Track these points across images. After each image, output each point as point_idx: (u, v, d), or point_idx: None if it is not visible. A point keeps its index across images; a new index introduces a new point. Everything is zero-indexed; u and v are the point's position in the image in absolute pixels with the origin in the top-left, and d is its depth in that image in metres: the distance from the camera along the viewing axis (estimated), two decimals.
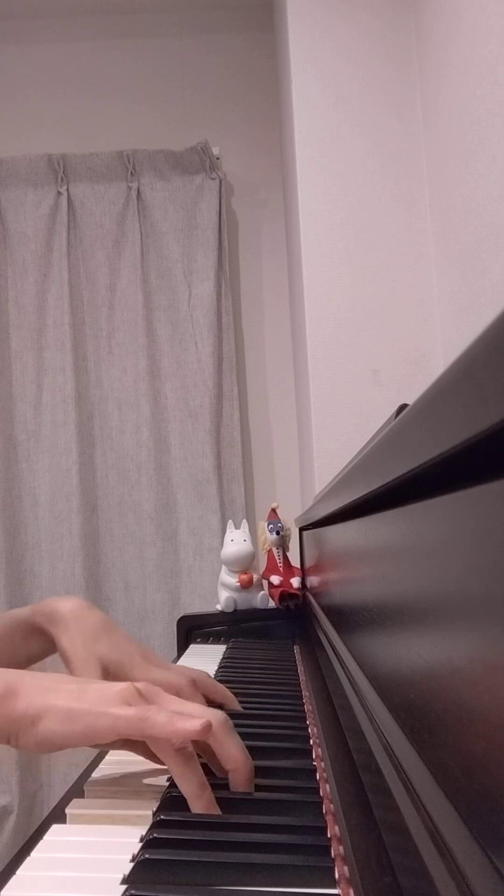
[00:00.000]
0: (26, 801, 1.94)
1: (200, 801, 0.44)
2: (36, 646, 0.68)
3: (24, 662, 0.70)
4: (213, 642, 1.18)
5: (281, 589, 1.22)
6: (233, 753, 0.47)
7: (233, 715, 0.67)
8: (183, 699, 0.51)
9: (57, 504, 2.03)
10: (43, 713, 0.45)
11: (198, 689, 0.60)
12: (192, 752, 0.45)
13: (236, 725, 0.60)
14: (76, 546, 2.00)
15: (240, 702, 0.69)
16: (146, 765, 0.52)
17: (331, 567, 0.75)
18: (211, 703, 0.63)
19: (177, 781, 0.44)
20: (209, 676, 0.66)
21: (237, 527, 1.27)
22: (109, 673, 0.59)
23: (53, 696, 0.46)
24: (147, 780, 0.51)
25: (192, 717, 0.45)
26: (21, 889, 0.36)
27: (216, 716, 0.47)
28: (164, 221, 2.12)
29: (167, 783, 0.49)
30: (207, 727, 0.45)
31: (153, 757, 0.50)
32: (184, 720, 0.44)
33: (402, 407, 0.47)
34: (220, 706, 0.67)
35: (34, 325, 2.10)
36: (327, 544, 0.81)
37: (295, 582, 1.24)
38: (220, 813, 0.44)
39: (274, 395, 2.18)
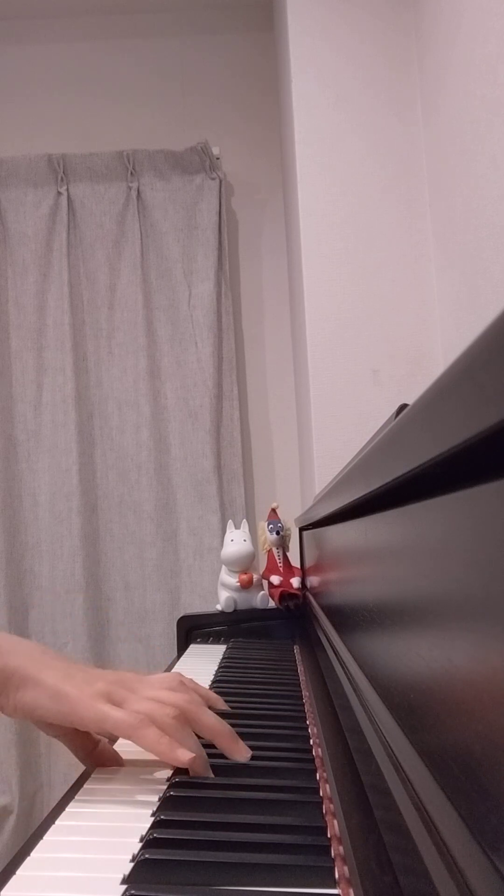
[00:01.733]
0: (26, 801, 1.94)
1: (194, 765, 0.48)
2: None
3: None
4: (213, 642, 1.18)
5: (281, 589, 1.22)
6: (208, 724, 0.51)
7: (234, 715, 0.67)
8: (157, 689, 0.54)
9: (57, 504, 2.03)
10: (30, 683, 0.48)
11: (185, 683, 0.61)
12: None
13: (237, 725, 0.60)
14: (76, 546, 2.00)
15: (240, 702, 0.69)
16: (147, 765, 0.52)
17: (331, 567, 0.75)
18: None
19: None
20: (191, 681, 0.66)
21: (237, 527, 1.27)
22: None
23: (43, 670, 0.48)
24: (147, 780, 0.52)
25: (180, 747, 0.48)
26: (21, 889, 0.36)
27: (183, 699, 0.51)
28: (164, 221, 2.12)
29: (167, 783, 0.49)
30: (192, 761, 0.48)
31: (88, 758, 0.54)
32: (172, 747, 0.47)
33: (402, 407, 0.47)
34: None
35: (34, 325, 2.10)
36: (327, 544, 0.81)
37: (295, 582, 1.24)
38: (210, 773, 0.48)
39: (274, 395, 2.18)
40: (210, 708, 0.64)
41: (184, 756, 0.48)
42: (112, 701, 0.49)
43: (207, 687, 0.79)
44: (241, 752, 0.51)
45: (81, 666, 0.56)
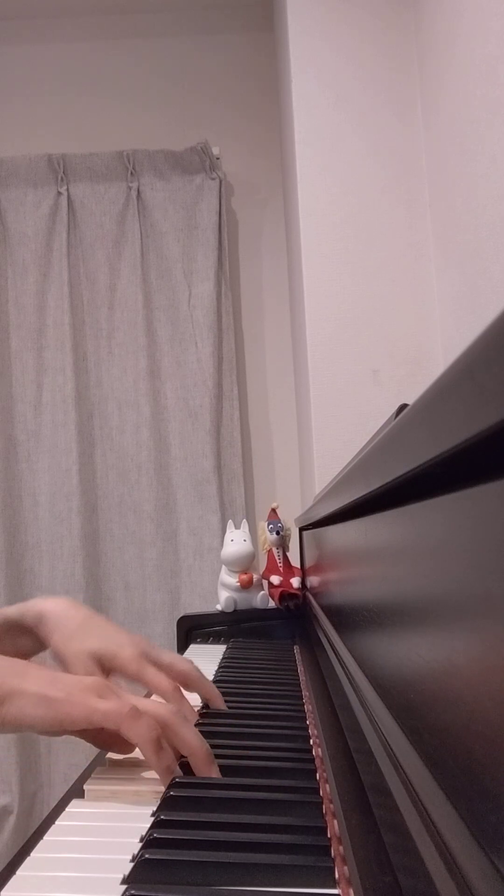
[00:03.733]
0: (26, 801, 1.94)
1: (168, 775, 0.48)
2: (25, 644, 0.69)
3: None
4: (213, 642, 1.18)
5: (281, 589, 1.22)
6: (187, 740, 0.50)
7: (234, 715, 0.67)
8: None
9: (57, 504, 2.03)
10: (13, 695, 0.47)
11: (182, 694, 0.61)
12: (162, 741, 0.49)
13: (237, 725, 0.60)
14: (76, 546, 2.00)
15: (240, 702, 0.69)
16: (147, 765, 0.52)
17: (331, 567, 0.75)
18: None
19: (150, 764, 0.48)
20: (198, 671, 0.67)
21: (237, 527, 1.27)
22: (104, 666, 0.61)
23: (25, 680, 0.48)
24: (147, 780, 0.52)
25: (163, 753, 0.48)
26: (21, 889, 0.36)
27: (168, 710, 0.50)
28: (164, 221, 2.12)
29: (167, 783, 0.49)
30: (169, 773, 0.48)
31: (104, 745, 0.53)
32: (156, 751, 0.48)
33: (402, 407, 0.47)
34: (205, 705, 0.68)
35: (34, 325, 2.10)
36: (327, 544, 0.81)
37: (295, 582, 1.24)
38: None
39: (274, 395, 2.18)
40: (207, 708, 0.65)
41: (166, 765, 0.48)
42: (101, 696, 0.49)
43: None
44: (212, 776, 0.51)
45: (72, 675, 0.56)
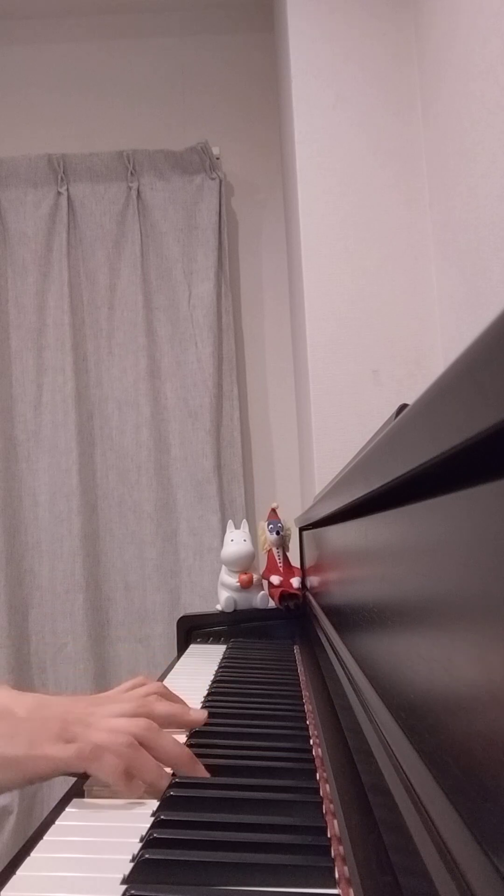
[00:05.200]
0: (26, 801, 1.94)
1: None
2: None
3: None
4: (213, 642, 1.18)
5: (281, 589, 1.22)
6: (165, 751, 0.50)
7: (234, 715, 0.67)
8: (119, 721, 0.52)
9: (57, 504, 2.03)
10: None
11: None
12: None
13: (237, 725, 0.60)
14: (76, 546, 2.00)
15: (240, 702, 0.69)
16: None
17: (331, 567, 0.75)
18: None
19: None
20: (159, 690, 0.65)
21: (237, 527, 1.27)
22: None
23: None
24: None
25: (132, 780, 0.48)
26: (21, 889, 0.36)
27: (139, 724, 0.50)
28: (164, 221, 2.12)
29: (167, 783, 0.49)
30: (139, 792, 0.47)
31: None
32: (126, 781, 0.47)
33: (402, 407, 0.47)
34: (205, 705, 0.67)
35: (34, 325, 2.10)
36: (327, 544, 0.81)
37: (295, 582, 1.24)
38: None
39: (274, 395, 2.18)
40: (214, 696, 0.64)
41: (137, 790, 0.48)
42: (65, 739, 0.48)
43: (207, 687, 0.79)
44: (201, 776, 0.50)
45: (37, 703, 0.54)
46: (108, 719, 0.52)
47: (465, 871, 0.22)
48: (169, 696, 0.65)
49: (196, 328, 2.09)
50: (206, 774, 0.50)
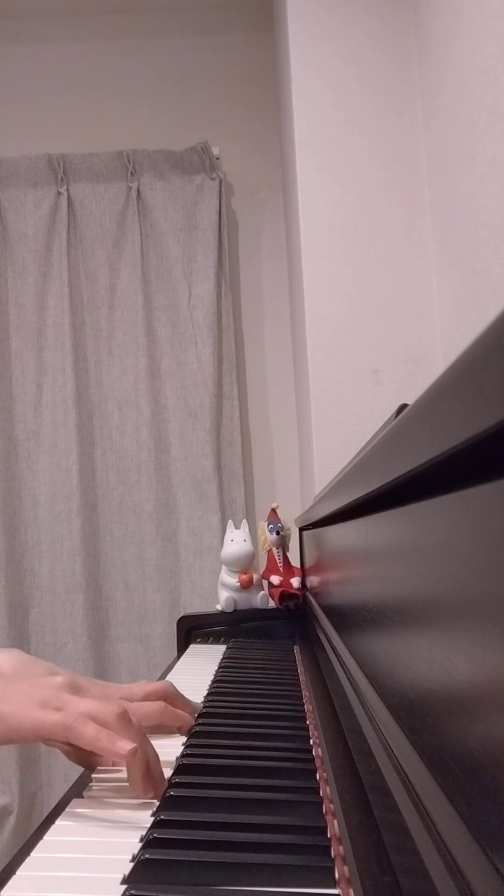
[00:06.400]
0: (26, 801, 1.94)
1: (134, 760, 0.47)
2: None
3: None
4: (213, 642, 1.18)
5: (281, 589, 1.22)
6: (148, 712, 0.52)
7: (234, 715, 0.67)
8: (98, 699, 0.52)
9: (57, 504, 2.03)
10: None
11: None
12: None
13: (237, 725, 0.60)
14: (76, 546, 2.00)
15: (240, 702, 0.69)
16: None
17: (331, 567, 0.75)
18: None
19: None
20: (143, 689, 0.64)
21: (237, 527, 1.27)
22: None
23: None
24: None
25: (119, 738, 0.47)
26: (21, 889, 0.36)
27: (112, 711, 0.49)
28: (164, 221, 2.12)
29: (167, 783, 0.49)
30: (133, 752, 0.46)
31: (82, 762, 0.53)
32: (113, 739, 0.46)
33: (402, 407, 0.47)
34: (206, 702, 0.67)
35: (34, 325, 2.10)
36: (327, 544, 0.81)
37: (295, 582, 1.24)
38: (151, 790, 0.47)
39: (274, 395, 2.18)
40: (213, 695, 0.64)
41: (125, 746, 0.46)
42: (51, 706, 0.48)
43: (207, 687, 0.79)
44: (146, 790, 0.48)
45: (32, 679, 0.54)
46: (100, 689, 0.52)
47: (465, 871, 0.22)
48: (175, 697, 0.64)
49: (196, 328, 2.09)
50: (155, 786, 0.48)
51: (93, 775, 0.53)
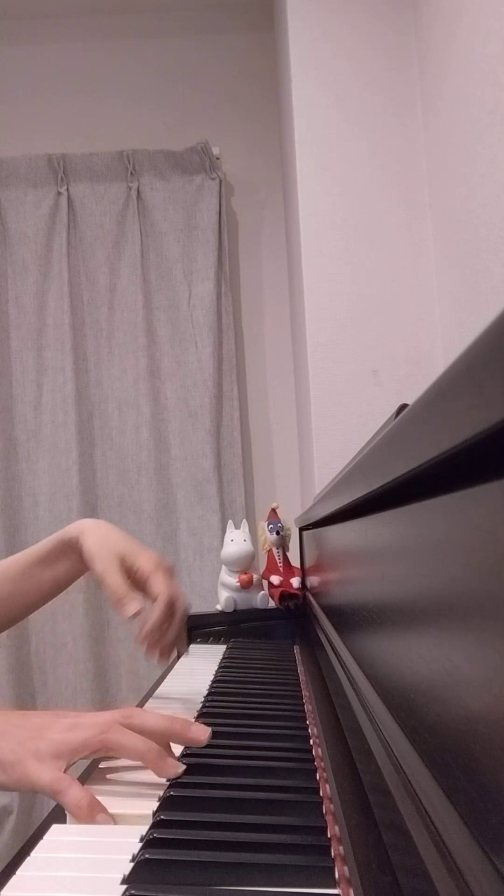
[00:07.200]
0: (26, 801, 1.94)
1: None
2: (62, 568, 0.86)
3: (52, 589, 0.89)
4: (213, 642, 1.18)
5: (281, 589, 1.22)
6: (129, 749, 0.49)
7: (234, 715, 0.67)
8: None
9: (57, 504, 2.03)
10: None
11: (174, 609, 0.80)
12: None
13: (237, 725, 0.60)
14: None
15: (240, 702, 0.69)
16: (146, 767, 0.52)
17: (331, 567, 0.75)
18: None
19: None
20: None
21: (237, 527, 1.27)
22: (126, 564, 0.79)
23: None
24: (147, 780, 0.51)
25: (104, 812, 0.46)
26: (21, 889, 0.36)
27: (105, 720, 0.50)
28: (164, 221, 2.12)
29: (167, 783, 0.49)
30: (108, 820, 0.46)
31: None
32: (94, 809, 0.46)
33: (402, 407, 0.47)
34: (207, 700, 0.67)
35: (34, 325, 2.10)
36: (327, 544, 0.81)
37: (295, 582, 1.23)
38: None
39: (274, 395, 2.18)
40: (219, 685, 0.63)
41: (103, 818, 0.46)
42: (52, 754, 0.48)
43: (207, 687, 0.79)
44: (169, 772, 0.49)
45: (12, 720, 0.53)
46: (77, 720, 0.51)
47: (465, 871, 0.22)
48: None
49: (196, 328, 2.09)
50: (175, 767, 0.50)
51: (92, 775, 0.53)
